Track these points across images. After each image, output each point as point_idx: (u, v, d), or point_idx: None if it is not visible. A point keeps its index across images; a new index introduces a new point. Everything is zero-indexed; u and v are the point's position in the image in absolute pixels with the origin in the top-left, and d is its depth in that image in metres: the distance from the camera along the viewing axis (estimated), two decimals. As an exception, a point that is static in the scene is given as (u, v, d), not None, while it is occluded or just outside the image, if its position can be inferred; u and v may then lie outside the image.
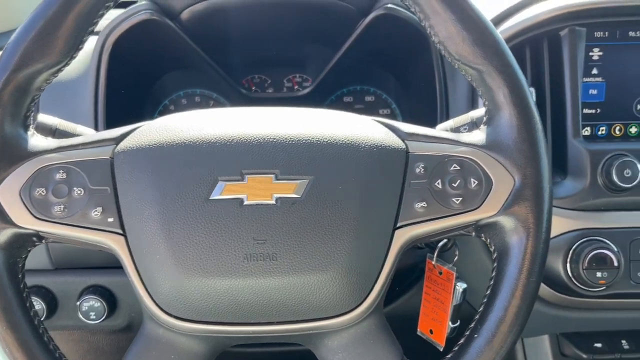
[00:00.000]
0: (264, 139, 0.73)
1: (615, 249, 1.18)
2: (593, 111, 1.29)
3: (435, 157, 0.80)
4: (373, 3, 1.24)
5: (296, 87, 1.46)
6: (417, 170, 0.78)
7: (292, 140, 0.74)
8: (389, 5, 1.20)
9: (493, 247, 0.80)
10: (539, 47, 1.25)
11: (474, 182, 0.78)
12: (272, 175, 0.72)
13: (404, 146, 0.80)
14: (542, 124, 0.79)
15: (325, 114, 0.81)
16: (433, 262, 1.02)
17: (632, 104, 1.29)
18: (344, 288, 0.72)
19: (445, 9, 0.75)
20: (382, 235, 0.74)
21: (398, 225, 0.75)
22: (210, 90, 1.42)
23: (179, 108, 1.43)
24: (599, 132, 1.29)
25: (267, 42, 1.37)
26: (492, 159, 0.79)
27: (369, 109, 1.51)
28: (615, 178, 1.16)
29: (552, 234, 1.18)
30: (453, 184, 0.78)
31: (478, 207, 0.78)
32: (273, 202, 0.71)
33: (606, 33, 1.26)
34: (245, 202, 0.71)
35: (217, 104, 1.44)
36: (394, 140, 0.80)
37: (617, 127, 1.29)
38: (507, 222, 0.77)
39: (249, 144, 0.73)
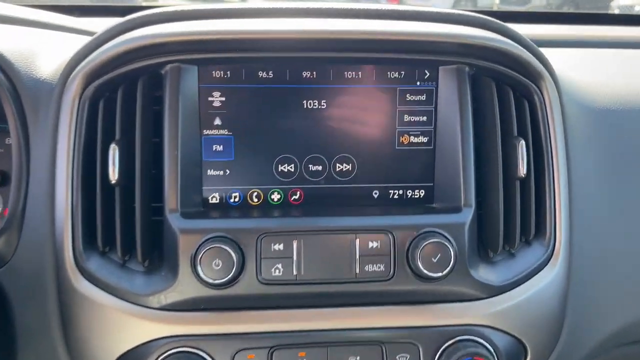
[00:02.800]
0: None
1: (212, 363, 0.89)
2: (220, 172, 0.99)
3: None
4: None
5: None
6: None
7: None
8: None
9: None
10: (136, 87, 0.94)
11: None
12: None
13: None
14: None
15: None
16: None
17: (272, 164, 0.99)
18: None
19: None
20: None
21: None
22: None
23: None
24: (232, 200, 0.99)
25: None
26: None
27: None
28: None
29: (132, 345, 0.91)
30: None
31: None
32: None
33: (228, 73, 0.97)
34: None
35: None
36: None
37: (255, 193, 1.00)
38: None
39: None
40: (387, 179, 1.02)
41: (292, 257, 0.92)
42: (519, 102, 1.01)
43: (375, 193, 1.02)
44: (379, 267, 0.93)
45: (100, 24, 1.26)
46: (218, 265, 0.88)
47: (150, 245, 0.95)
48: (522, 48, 0.97)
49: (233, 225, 0.92)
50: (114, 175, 0.91)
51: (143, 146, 0.93)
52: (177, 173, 0.93)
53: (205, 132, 0.98)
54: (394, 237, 0.93)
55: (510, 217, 0.99)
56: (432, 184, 1.02)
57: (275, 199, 1.00)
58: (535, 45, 1.01)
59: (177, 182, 0.93)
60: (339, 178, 1.01)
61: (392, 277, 0.93)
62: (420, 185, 1.02)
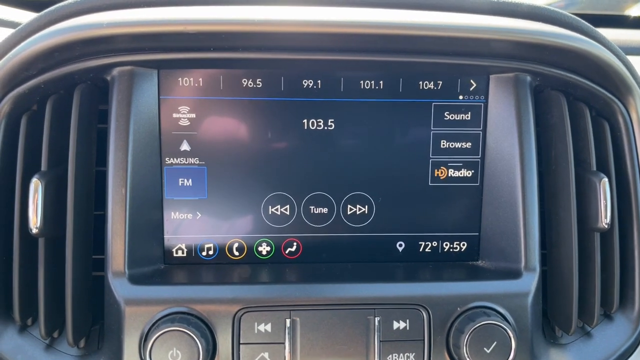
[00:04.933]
0: None
1: None
2: (189, 216, 0.73)
3: None
4: None
5: None
6: None
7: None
8: None
9: None
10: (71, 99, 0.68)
11: None
12: None
13: None
14: None
15: None
16: None
17: (260, 204, 0.72)
18: None
19: None
20: None
21: None
22: None
23: None
24: (204, 254, 0.73)
25: None
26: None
27: None
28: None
29: None
30: None
31: None
32: None
33: (200, 80, 0.70)
34: None
35: None
36: None
37: (236, 244, 0.73)
38: None
39: None
40: (416, 226, 0.75)
41: (283, 343, 0.65)
42: (596, 125, 0.74)
43: (400, 245, 0.75)
44: (408, 358, 0.66)
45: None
46: (177, 357, 0.61)
47: (86, 318, 0.68)
48: (609, 52, 0.70)
49: (201, 295, 0.65)
50: (35, 221, 0.64)
51: (79, 178, 0.67)
52: (125, 219, 0.66)
53: (168, 160, 0.72)
54: (429, 314, 0.66)
55: (587, 283, 0.72)
56: (477, 234, 0.75)
57: (264, 252, 0.74)
58: (621, 52, 0.74)
59: (124, 233, 0.66)
60: (350, 224, 0.74)
61: None
62: (461, 235, 0.75)
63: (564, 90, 0.73)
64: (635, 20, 1.46)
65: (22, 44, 0.66)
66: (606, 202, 0.70)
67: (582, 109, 0.74)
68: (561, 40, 0.68)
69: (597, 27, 1.12)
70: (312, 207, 0.74)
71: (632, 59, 0.98)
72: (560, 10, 0.74)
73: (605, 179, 0.71)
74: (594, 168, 0.72)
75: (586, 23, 0.74)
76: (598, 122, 0.75)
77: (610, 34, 1.14)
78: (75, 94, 0.68)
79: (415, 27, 0.67)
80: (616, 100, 0.74)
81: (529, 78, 0.72)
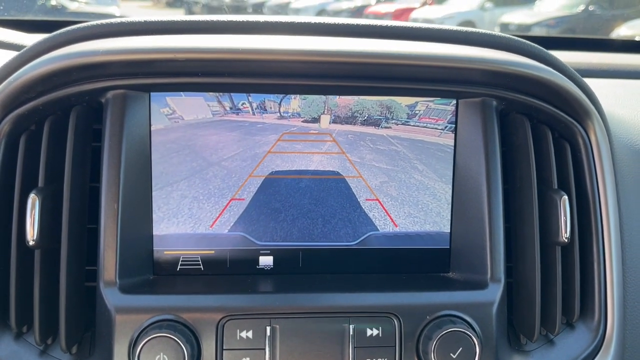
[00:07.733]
0: None
1: None
2: (174, 230, 0.77)
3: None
4: None
5: None
6: None
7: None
8: None
9: None
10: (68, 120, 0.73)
11: None
12: None
13: None
14: None
15: None
16: None
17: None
18: None
19: None
20: None
21: None
22: None
23: None
24: (192, 265, 0.77)
25: None
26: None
27: None
28: None
29: None
30: None
31: None
32: None
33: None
34: None
35: None
36: None
37: (220, 257, 0.77)
38: None
39: None
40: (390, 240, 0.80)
41: (264, 349, 0.69)
42: (558, 146, 0.80)
43: (376, 260, 0.80)
44: None
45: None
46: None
47: (79, 325, 0.72)
48: (567, 79, 0.76)
49: (187, 304, 0.70)
50: (32, 233, 0.69)
51: (74, 194, 0.71)
52: (116, 233, 0.71)
53: (158, 177, 0.76)
54: (400, 322, 0.71)
55: (549, 293, 0.77)
56: (447, 247, 0.80)
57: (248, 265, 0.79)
58: (580, 77, 0.80)
59: (116, 246, 0.71)
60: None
61: None
62: (432, 248, 0.80)
63: (528, 113, 0.79)
64: (622, 43, 1.54)
65: (23, 68, 0.71)
66: (566, 217, 0.76)
67: (544, 131, 0.79)
68: (523, 69, 0.74)
69: (578, 51, 1.19)
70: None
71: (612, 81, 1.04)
72: (524, 40, 0.80)
73: (566, 197, 0.76)
74: (556, 186, 0.78)
75: (548, 52, 0.80)
76: (560, 143, 0.80)
77: (592, 57, 1.22)
78: (72, 115, 0.72)
79: (395, 56, 0.72)
80: (576, 124, 0.79)
81: (494, 102, 0.78)
